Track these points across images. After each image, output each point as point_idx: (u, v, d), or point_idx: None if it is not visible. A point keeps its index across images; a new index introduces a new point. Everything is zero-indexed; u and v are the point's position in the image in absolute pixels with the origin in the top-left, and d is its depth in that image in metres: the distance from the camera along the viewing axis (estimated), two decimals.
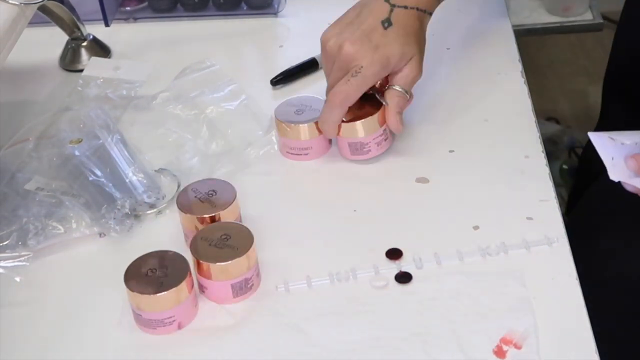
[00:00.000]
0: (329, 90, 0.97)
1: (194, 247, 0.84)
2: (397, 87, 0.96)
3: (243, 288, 0.84)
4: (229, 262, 0.82)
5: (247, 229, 0.85)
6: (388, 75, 0.97)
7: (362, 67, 0.94)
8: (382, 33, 0.95)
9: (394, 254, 0.87)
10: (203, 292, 0.84)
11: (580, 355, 0.77)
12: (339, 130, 0.96)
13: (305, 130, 0.99)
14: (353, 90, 0.94)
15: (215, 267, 0.82)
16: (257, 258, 0.85)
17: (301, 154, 1.00)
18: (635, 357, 0.99)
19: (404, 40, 0.96)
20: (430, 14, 1.00)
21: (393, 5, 0.97)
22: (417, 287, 0.84)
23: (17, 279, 0.89)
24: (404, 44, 0.95)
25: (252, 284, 0.84)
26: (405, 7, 0.97)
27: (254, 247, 0.84)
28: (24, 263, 0.90)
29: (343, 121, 0.96)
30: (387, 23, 0.96)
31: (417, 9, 0.97)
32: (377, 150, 0.98)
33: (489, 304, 0.81)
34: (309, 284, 0.85)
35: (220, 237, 0.84)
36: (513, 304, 0.81)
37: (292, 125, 0.99)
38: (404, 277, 0.85)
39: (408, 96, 0.97)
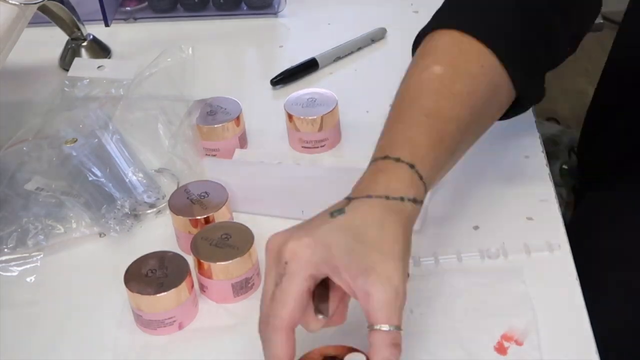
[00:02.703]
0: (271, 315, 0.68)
1: (194, 247, 0.83)
2: (381, 327, 0.66)
3: (244, 287, 0.84)
4: (230, 261, 0.82)
5: (248, 228, 0.85)
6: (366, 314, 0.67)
7: (285, 263, 0.67)
8: (324, 221, 0.69)
9: None
10: (204, 291, 0.84)
11: (580, 355, 0.77)
12: None
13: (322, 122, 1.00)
14: (280, 306, 0.66)
15: (216, 267, 0.82)
16: (258, 257, 0.85)
17: (317, 147, 1.01)
18: (635, 358, 0.99)
19: (356, 236, 0.68)
20: (422, 201, 0.73)
21: (352, 198, 0.71)
22: (417, 286, 0.84)
23: (29, 280, 0.89)
24: (357, 240, 0.67)
25: (253, 284, 0.84)
26: (369, 196, 0.70)
27: (254, 247, 0.83)
28: (35, 264, 0.90)
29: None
30: (337, 212, 0.70)
31: (387, 197, 0.70)
32: None
33: (490, 301, 0.81)
34: None
35: (221, 237, 0.84)
36: (513, 301, 0.81)
37: (307, 118, 1.00)
38: None
39: (401, 331, 0.67)
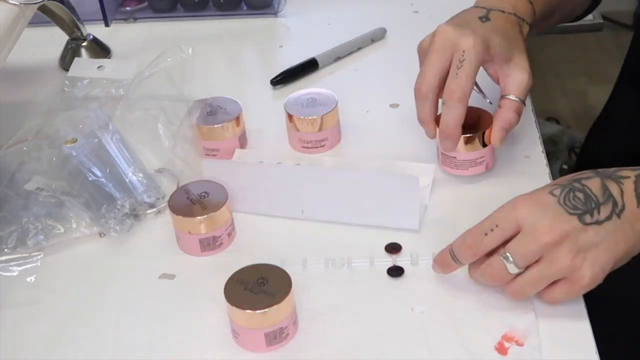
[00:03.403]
0: (419, 82, 0.91)
1: (227, 291, 0.80)
2: (511, 97, 0.91)
3: (277, 337, 0.79)
4: (264, 310, 0.78)
5: (286, 273, 0.80)
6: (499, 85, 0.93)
7: (463, 51, 0.89)
8: (480, 25, 0.92)
9: (393, 248, 0.88)
10: (236, 337, 0.81)
11: (580, 355, 0.77)
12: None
13: (321, 122, 1.00)
14: (464, 82, 0.88)
15: (247, 315, 0.78)
16: (294, 305, 0.81)
17: (317, 147, 1.01)
18: (635, 358, 0.99)
19: (503, 36, 0.91)
20: (529, 25, 0.96)
21: (489, 9, 0.94)
22: (417, 285, 0.84)
23: (29, 280, 0.89)
24: (504, 38, 0.91)
25: (288, 333, 0.80)
26: (502, 11, 0.94)
27: (291, 294, 0.79)
28: (35, 264, 0.90)
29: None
30: (484, 18, 0.93)
31: (515, 15, 0.94)
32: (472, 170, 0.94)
33: (490, 301, 0.81)
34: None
35: (257, 281, 0.80)
36: (514, 302, 0.81)
37: (307, 118, 1.00)
38: (395, 271, 0.85)
39: (524, 105, 0.92)
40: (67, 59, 1.20)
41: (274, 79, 1.13)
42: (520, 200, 0.79)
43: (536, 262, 0.77)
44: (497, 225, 0.78)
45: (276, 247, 0.90)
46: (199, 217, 0.88)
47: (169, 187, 0.97)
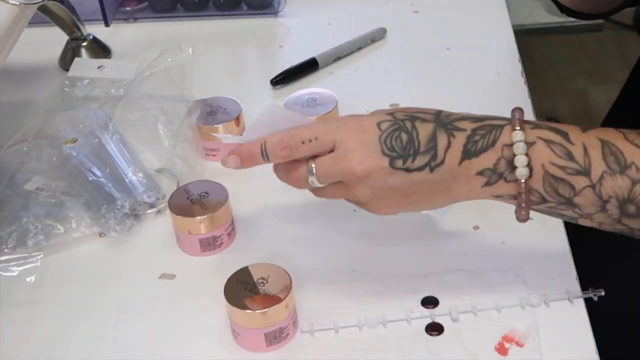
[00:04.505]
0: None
1: (227, 291, 0.80)
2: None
3: (277, 337, 0.80)
4: (264, 310, 0.78)
5: (286, 273, 0.80)
6: None
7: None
8: None
9: None
10: (236, 337, 0.81)
11: (580, 356, 0.77)
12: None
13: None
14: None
15: (247, 314, 0.78)
16: (295, 305, 0.81)
17: None
18: (635, 358, 0.99)
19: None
20: None
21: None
22: (417, 286, 0.84)
23: (29, 280, 0.89)
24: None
25: (288, 334, 0.80)
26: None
27: (291, 295, 0.79)
28: (35, 264, 0.90)
29: None
30: None
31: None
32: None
33: (490, 301, 0.81)
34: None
35: (257, 281, 0.80)
36: (514, 302, 0.81)
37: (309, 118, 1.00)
38: None
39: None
40: (67, 59, 1.20)
41: (274, 79, 1.13)
42: (346, 123, 0.78)
43: (337, 182, 0.78)
44: (316, 138, 0.77)
45: (276, 247, 0.90)
46: (199, 217, 0.88)
47: (169, 187, 0.97)
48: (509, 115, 0.77)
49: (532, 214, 0.90)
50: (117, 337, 0.83)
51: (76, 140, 0.99)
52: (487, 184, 0.76)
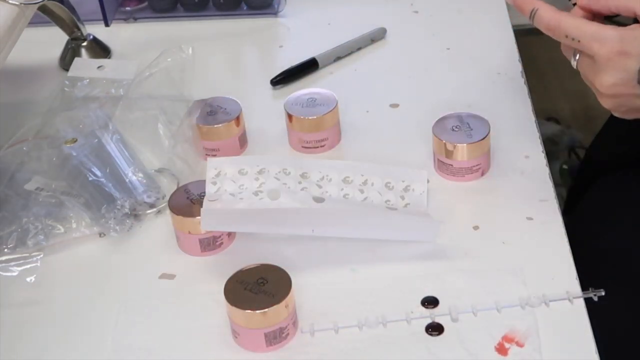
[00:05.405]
0: None
1: (227, 291, 0.80)
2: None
3: (277, 337, 0.80)
4: (264, 310, 0.78)
5: (286, 273, 0.81)
6: None
7: None
8: None
9: None
10: (236, 337, 0.81)
11: (580, 356, 0.77)
12: None
13: (321, 122, 1.00)
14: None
15: (247, 314, 0.78)
16: (295, 305, 0.81)
17: (318, 147, 1.01)
18: (635, 358, 0.99)
19: None
20: None
21: None
22: (417, 285, 0.84)
23: (29, 280, 0.89)
24: None
25: (288, 334, 0.80)
26: None
27: (291, 295, 0.79)
28: (35, 264, 0.90)
29: None
30: None
31: None
32: None
33: (491, 302, 0.81)
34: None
35: (257, 281, 0.80)
36: (514, 302, 0.81)
37: (307, 118, 1.00)
38: None
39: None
40: (67, 59, 1.20)
41: (274, 79, 1.13)
42: (612, 41, 0.80)
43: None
44: (579, 41, 0.82)
45: (276, 247, 0.90)
46: (199, 217, 0.88)
47: (169, 187, 0.97)
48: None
49: (532, 214, 0.91)
50: (117, 337, 0.83)
51: (76, 140, 0.99)
52: None
